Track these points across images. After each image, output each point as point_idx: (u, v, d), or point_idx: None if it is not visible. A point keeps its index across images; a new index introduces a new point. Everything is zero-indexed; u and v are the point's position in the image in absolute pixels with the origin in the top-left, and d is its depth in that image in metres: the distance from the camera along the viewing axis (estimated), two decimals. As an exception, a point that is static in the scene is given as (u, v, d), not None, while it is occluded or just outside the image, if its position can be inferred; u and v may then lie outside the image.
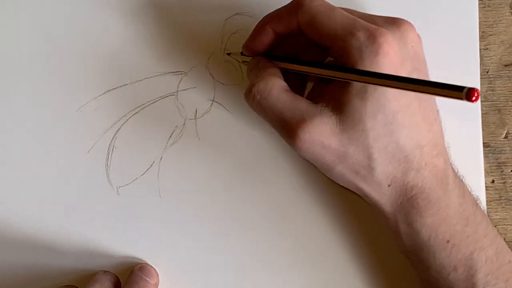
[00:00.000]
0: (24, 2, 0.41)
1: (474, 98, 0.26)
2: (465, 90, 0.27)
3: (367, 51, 0.32)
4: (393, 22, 0.34)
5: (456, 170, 0.36)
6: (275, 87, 0.35)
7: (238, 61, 0.41)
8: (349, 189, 0.37)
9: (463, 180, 0.36)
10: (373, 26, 0.33)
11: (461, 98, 0.27)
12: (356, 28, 0.33)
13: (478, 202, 0.37)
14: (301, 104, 0.34)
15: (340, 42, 0.33)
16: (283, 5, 0.36)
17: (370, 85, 0.33)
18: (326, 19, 0.34)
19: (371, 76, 0.32)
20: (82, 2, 0.41)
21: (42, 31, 0.41)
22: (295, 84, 0.38)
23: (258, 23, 0.37)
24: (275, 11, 0.37)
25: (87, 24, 0.41)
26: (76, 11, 0.41)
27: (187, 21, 0.41)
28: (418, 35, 0.35)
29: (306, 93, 0.40)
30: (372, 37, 0.32)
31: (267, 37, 0.37)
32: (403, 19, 0.35)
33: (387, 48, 0.32)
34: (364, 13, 0.36)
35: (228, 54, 0.41)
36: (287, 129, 0.34)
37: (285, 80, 0.36)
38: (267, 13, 0.37)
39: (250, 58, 0.38)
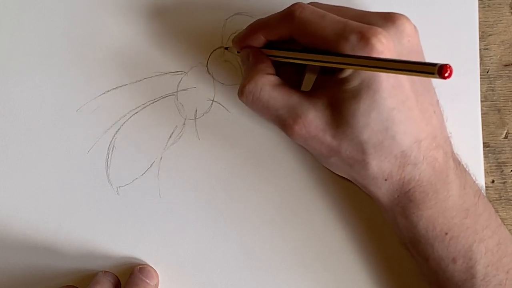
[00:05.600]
0: (24, 2, 0.41)
1: (446, 74, 0.26)
2: (437, 66, 0.26)
3: (360, 53, 0.32)
4: (387, 18, 0.34)
5: (459, 160, 0.36)
6: (266, 85, 0.35)
7: (236, 54, 0.40)
8: (348, 180, 0.37)
9: (467, 170, 0.36)
10: (366, 26, 0.33)
11: (434, 75, 0.26)
12: (348, 31, 0.32)
13: (481, 192, 0.36)
14: (294, 99, 0.35)
15: (333, 48, 0.33)
16: (276, 12, 0.36)
17: (364, 84, 0.33)
18: (316, 27, 0.34)
19: (347, 59, 0.32)
20: (82, 2, 0.41)
21: (42, 31, 0.41)
22: (290, 74, 0.38)
23: (250, 26, 0.37)
24: (266, 18, 0.37)
25: (87, 24, 0.41)
26: (76, 11, 0.41)
27: (187, 21, 0.41)
28: (415, 27, 0.35)
29: (304, 84, 0.39)
30: (365, 39, 0.32)
31: (258, 42, 0.37)
32: (398, 14, 0.34)
33: (381, 48, 0.32)
34: (358, 11, 0.36)
35: (226, 48, 0.41)
36: (283, 124, 0.35)
37: (280, 71, 0.37)
38: (265, 14, 0.37)
39: (242, 49, 0.38)
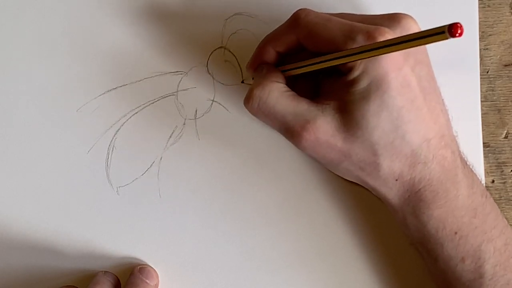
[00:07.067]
0: (24, 2, 0.41)
1: (458, 33, 0.25)
2: (446, 26, 0.26)
3: None
4: (393, 18, 0.34)
5: (465, 160, 0.36)
6: (274, 91, 0.35)
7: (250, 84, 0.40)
8: (354, 183, 0.37)
9: (473, 170, 0.36)
10: (372, 26, 0.33)
11: (445, 35, 0.26)
12: (355, 32, 0.33)
13: (487, 192, 0.36)
14: (302, 105, 0.35)
15: (341, 49, 0.33)
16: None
17: (373, 84, 0.33)
18: (323, 30, 0.34)
19: (359, 51, 0.32)
20: (82, 2, 0.41)
21: (42, 31, 0.41)
22: (307, 88, 0.38)
23: (259, 44, 0.37)
24: (274, 31, 0.37)
25: (87, 24, 0.41)
26: (76, 11, 0.41)
27: (187, 21, 0.41)
28: (419, 28, 0.35)
29: None
30: (372, 38, 0.32)
31: (269, 57, 0.37)
32: (403, 14, 0.35)
33: None
34: (363, 15, 0.36)
35: (243, 82, 0.41)
36: (291, 131, 0.35)
37: (297, 86, 0.36)
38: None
39: (256, 68, 0.38)
